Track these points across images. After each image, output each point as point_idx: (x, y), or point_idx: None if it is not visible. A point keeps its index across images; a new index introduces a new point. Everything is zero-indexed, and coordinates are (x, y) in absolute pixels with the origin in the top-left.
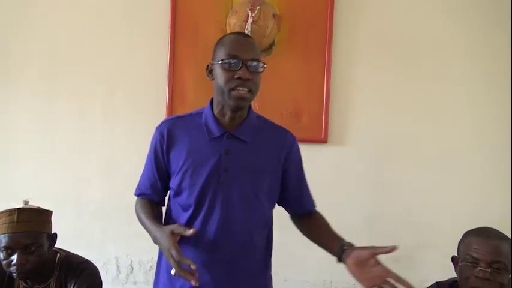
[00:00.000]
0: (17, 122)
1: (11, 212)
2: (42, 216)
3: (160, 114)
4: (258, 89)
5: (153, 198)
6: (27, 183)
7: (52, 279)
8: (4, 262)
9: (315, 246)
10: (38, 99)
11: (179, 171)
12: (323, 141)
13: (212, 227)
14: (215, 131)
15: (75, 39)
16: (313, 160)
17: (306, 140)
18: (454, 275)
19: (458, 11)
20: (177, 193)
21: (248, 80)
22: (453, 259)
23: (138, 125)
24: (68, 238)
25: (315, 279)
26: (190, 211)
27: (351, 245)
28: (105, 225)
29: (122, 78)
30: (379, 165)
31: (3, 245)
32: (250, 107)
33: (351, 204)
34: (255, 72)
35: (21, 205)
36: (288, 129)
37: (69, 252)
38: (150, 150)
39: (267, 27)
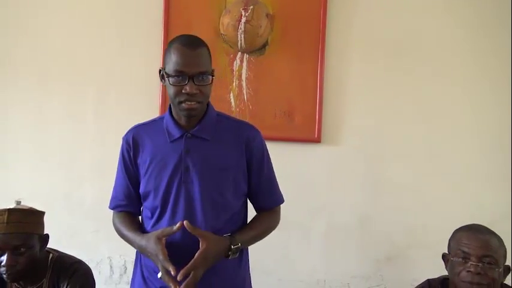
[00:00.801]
0: (9, 122)
1: (1, 212)
2: (33, 217)
3: (153, 115)
4: (208, 98)
5: (129, 209)
6: (19, 184)
7: (45, 280)
8: None
9: (308, 246)
10: (30, 99)
11: (145, 175)
12: (316, 141)
13: None
14: (174, 132)
15: (68, 39)
16: (307, 160)
17: (299, 140)
18: (446, 274)
19: (456, 9)
20: (144, 197)
21: (195, 94)
22: (444, 256)
23: (131, 125)
24: (61, 238)
25: (309, 278)
26: (156, 213)
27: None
28: (98, 225)
29: (115, 78)
30: (373, 165)
31: None
32: (208, 104)
33: (344, 204)
34: (202, 85)
35: (13, 205)
36: (283, 129)
37: (61, 252)
38: (120, 161)
39: (261, 26)
